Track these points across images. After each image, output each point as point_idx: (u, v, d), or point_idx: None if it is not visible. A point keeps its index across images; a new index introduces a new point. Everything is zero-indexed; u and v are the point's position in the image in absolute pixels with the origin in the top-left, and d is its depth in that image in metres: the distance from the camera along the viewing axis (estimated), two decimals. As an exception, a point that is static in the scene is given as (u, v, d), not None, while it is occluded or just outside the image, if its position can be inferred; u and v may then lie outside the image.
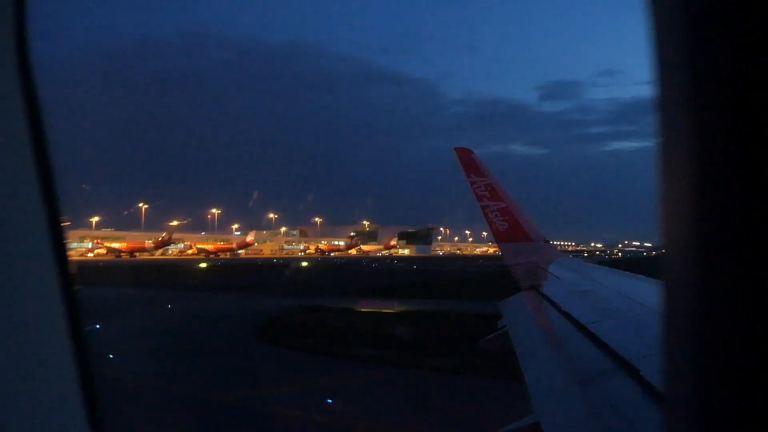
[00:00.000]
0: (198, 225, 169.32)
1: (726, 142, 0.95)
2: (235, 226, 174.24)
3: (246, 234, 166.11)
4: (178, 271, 75.87)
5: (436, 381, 21.84)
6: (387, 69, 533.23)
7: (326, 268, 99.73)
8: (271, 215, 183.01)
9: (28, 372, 2.06)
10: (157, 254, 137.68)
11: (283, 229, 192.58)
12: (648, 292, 7.27)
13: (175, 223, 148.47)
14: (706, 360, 0.97)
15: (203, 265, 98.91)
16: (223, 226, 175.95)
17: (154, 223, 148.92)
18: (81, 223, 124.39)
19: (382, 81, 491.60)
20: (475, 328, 32.05)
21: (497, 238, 15.41)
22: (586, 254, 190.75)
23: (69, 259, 2.20)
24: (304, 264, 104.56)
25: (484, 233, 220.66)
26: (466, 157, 15.57)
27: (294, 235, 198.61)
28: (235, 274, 78.45)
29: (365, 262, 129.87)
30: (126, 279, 58.60)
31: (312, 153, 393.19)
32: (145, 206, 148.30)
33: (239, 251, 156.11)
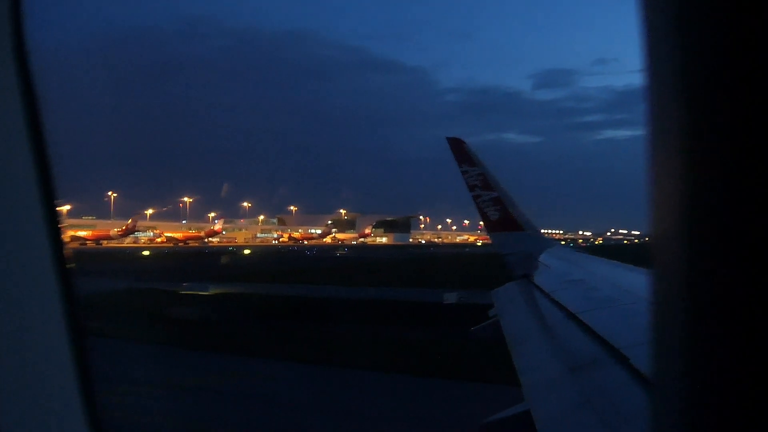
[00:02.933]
0: (182, 213, 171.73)
1: (717, 130, 0.94)
2: (212, 214, 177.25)
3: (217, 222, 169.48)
4: (103, 258, 79.68)
5: (121, 349, 25.58)
6: (382, 57, 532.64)
7: (261, 254, 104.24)
8: (246, 204, 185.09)
9: (25, 353, 2.10)
10: (126, 242, 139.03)
11: (261, 217, 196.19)
12: (638, 281, 7.24)
13: (150, 211, 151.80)
14: (694, 348, 0.97)
15: (145, 252, 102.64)
16: (204, 214, 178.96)
17: (137, 211, 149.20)
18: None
19: (377, 69, 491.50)
20: (272, 309, 36.05)
21: (488, 227, 15.55)
22: (562, 242, 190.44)
23: (65, 244, 2.24)
24: (246, 252, 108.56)
25: (466, 221, 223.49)
26: (458, 147, 15.63)
27: (273, 223, 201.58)
28: (153, 262, 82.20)
29: (311, 250, 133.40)
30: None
31: (305, 142, 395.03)
32: (114, 194, 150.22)
33: (209, 239, 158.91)
